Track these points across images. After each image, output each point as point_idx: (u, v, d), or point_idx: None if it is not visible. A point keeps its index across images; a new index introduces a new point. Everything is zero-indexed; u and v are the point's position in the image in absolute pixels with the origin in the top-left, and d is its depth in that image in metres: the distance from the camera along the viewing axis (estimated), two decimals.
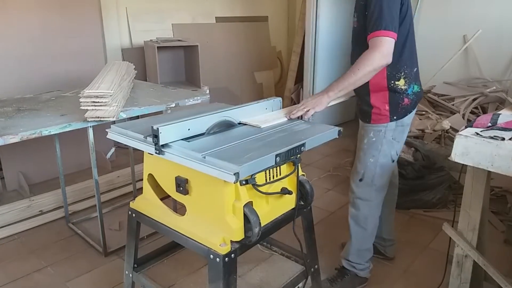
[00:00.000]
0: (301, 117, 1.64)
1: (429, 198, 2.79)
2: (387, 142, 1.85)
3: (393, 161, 1.92)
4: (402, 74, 1.77)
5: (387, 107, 1.79)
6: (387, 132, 1.83)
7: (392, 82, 1.77)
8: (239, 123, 1.58)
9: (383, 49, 1.59)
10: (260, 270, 2.19)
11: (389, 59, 1.62)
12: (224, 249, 1.27)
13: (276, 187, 1.41)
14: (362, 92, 1.83)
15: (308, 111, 1.62)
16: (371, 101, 1.82)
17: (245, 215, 1.27)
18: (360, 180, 1.92)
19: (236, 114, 1.57)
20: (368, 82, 1.74)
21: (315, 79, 4.51)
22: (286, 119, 1.61)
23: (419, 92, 1.87)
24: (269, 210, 1.42)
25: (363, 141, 1.89)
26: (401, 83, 1.77)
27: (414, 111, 1.89)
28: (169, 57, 4.01)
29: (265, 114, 1.67)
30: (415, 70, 1.83)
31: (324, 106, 1.66)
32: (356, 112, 1.99)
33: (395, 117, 1.81)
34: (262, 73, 5.23)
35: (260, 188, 1.32)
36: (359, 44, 1.76)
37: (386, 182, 1.95)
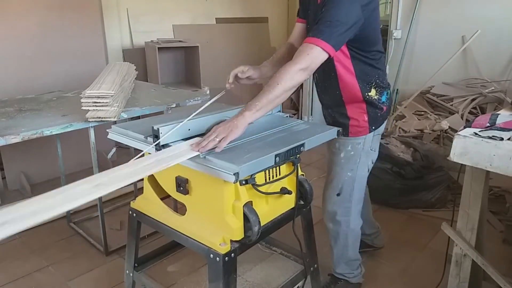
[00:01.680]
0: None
1: (428, 198, 2.80)
2: (365, 154, 1.76)
3: (368, 170, 1.83)
4: (373, 84, 1.67)
5: (366, 118, 1.69)
6: (366, 144, 1.74)
7: (367, 94, 1.67)
8: None
9: (307, 62, 1.37)
10: (260, 269, 2.20)
11: (310, 74, 1.43)
12: (224, 249, 1.28)
13: (276, 187, 1.42)
14: (334, 103, 1.73)
15: (221, 140, 1.27)
16: (348, 113, 1.70)
17: (244, 215, 1.28)
18: (338, 195, 1.81)
19: None
20: (339, 93, 1.66)
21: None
22: (195, 153, 1.26)
23: (390, 96, 1.79)
24: (269, 209, 1.43)
25: (339, 155, 1.76)
26: (372, 94, 1.68)
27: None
28: (170, 57, 4.02)
29: (169, 149, 1.33)
30: (384, 79, 1.74)
31: (242, 131, 1.31)
32: (328, 123, 1.81)
33: (373, 127, 1.72)
34: None
35: (259, 188, 1.33)
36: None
37: (362, 195, 1.87)
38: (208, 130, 1.45)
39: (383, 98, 1.71)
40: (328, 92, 1.74)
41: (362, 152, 1.74)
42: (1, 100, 2.45)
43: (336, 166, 1.79)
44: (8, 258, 2.32)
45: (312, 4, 1.63)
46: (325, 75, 1.69)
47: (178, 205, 2.07)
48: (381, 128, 1.79)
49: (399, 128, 3.41)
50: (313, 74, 1.70)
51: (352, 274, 1.97)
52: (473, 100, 3.43)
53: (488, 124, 1.41)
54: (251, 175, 1.29)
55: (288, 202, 1.50)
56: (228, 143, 1.28)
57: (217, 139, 1.27)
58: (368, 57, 1.62)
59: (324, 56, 1.39)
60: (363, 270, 2.02)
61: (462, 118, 3.28)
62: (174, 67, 4.11)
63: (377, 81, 1.67)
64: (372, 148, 1.78)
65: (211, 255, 1.30)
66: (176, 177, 1.38)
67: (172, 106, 2.37)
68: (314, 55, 1.38)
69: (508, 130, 1.35)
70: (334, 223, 1.86)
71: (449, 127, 3.17)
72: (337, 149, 1.77)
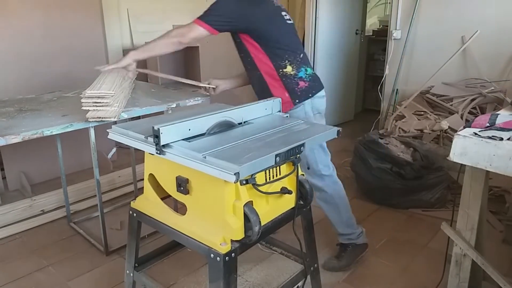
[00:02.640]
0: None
1: (428, 197, 2.80)
2: None
3: (322, 146, 2.04)
4: (287, 61, 1.93)
5: (286, 94, 1.94)
6: (308, 120, 1.93)
7: (280, 70, 1.93)
8: (245, 122, 1.59)
9: (187, 31, 1.85)
10: (260, 269, 2.20)
11: (185, 42, 1.89)
12: (225, 248, 1.28)
13: (276, 186, 1.43)
14: (262, 87, 1.98)
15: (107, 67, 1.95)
16: (273, 93, 1.95)
17: (245, 215, 1.28)
18: (308, 168, 2.03)
19: (236, 114, 1.58)
20: (262, 77, 1.95)
21: None
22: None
23: (315, 76, 2.03)
24: (269, 209, 1.43)
25: None
26: (289, 70, 1.94)
27: (322, 98, 2.03)
28: (170, 57, 4.02)
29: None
30: (301, 55, 1.99)
31: (125, 63, 1.96)
32: None
33: (297, 100, 1.95)
34: None
35: (260, 188, 1.34)
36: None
37: (328, 159, 2.08)
38: (209, 130, 1.46)
39: (301, 74, 1.96)
40: (254, 78, 2.04)
41: None
42: (1, 100, 2.45)
43: None
44: (8, 258, 2.33)
45: None
46: (246, 64, 2.02)
47: (178, 205, 2.07)
48: (318, 106, 2.01)
49: (399, 128, 3.41)
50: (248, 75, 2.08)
51: (355, 234, 2.19)
52: (472, 100, 3.43)
53: (487, 124, 1.42)
54: (252, 175, 1.29)
55: (288, 202, 1.50)
56: (225, 143, 1.33)
57: (108, 67, 1.99)
58: (275, 46, 1.93)
59: (201, 31, 1.87)
60: (363, 229, 2.24)
61: (461, 118, 3.28)
62: (174, 67, 4.12)
63: (289, 58, 1.94)
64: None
65: (212, 255, 1.30)
66: (176, 177, 1.39)
67: (172, 106, 2.38)
68: (193, 27, 1.87)
69: (508, 130, 1.35)
70: (318, 191, 2.09)
71: (448, 127, 3.17)
72: None
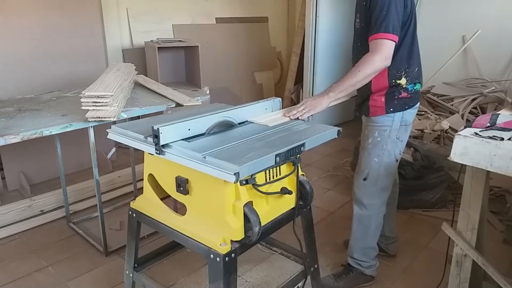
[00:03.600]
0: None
1: (429, 198, 2.80)
2: (392, 142, 1.86)
3: (396, 160, 1.93)
4: (403, 73, 1.79)
5: (382, 99, 1.81)
6: (392, 132, 1.84)
7: (394, 81, 1.79)
8: (244, 122, 1.60)
9: (383, 52, 1.62)
10: (260, 269, 2.19)
11: (388, 62, 1.66)
12: (224, 249, 1.28)
13: (276, 187, 1.42)
14: (365, 92, 1.85)
15: (305, 112, 1.64)
16: (370, 95, 1.85)
17: (245, 215, 1.28)
18: (364, 179, 1.92)
19: (236, 114, 1.58)
20: (370, 82, 1.76)
21: (315, 80, 4.52)
22: (287, 119, 1.64)
23: (419, 91, 1.89)
24: (269, 209, 1.43)
25: (367, 140, 1.89)
26: (402, 82, 1.80)
27: (415, 109, 1.88)
28: (170, 57, 4.01)
29: (267, 114, 1.69)
30: (416, 69, 1.84)
31: (324, 108, 1.68)
32: (355, 111, 2.01)
33: (391, 109, 1.81)
34: (262, 73, 5.24)
35: (260, 188, 1.33)
36: (362, 45, 1.78)
37: (390, 182, 1.96)
38: (209, 129, 1.45)
39: (409, 87, 1.81)
40: None
41: (389, 140, 1.85)
42: (0, 100, 2.45)
43: (364, 151, 1.91)
44: (8, 258, 2.32)
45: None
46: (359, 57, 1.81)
47: (178, 205, 2.07)
48: (407, 119, 1.86)
49: None
50: (352, 61, 1.88)
51: (368, 264, 2.04)
52: (473, 100, 3.43)
53: (488, 124, 1.41)
54: (252, 175, 1.28)
55: (289, 202, 1.49)
56: (224, 143, 1.32)
57: (304, 111, 1.64)
58: (405, 43, 1.76)
59: (393, 44, 1.64)
60: (377, 263, 2.08)
61: (462, 118, 3.27)
62: (174, 67, 4.11)
63: (407, 70, 1.79)
64: (399, 137, 1.87)
65: (211, 255, 1.30)
66: (176, 177, 1.38)
67: (171, 106, 2.37)
68: (386, 45, 1.63)
69: (509, 130, 1.35)
70: (360, 206, 1.96)
71: (449, 127, 3.16)
72: (366, 135, 1.90)
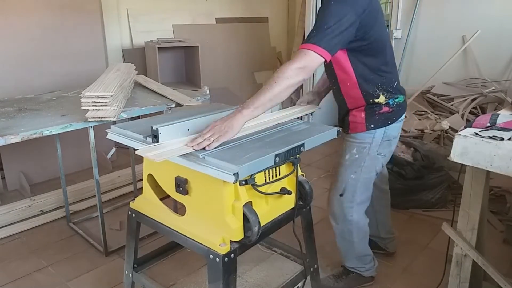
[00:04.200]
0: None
1: (429, 198, 2.79)
2: (371, 158, 1.76)
3: (377, 174, 1.85)
4: (380, 91, 1.68)
5: (362, 115, 1.71)
6: (372, 149, 1.74)
7: (371, 100, 1.69)
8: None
9: (302, 62, 1.40)
10: (260, 269, 2.19)
11: (307, 75, 1.42)
12: (224, 249, 1.27)
13: (276, 187, 1.42)
14: (343, 108, 1.78)
15: (214, 140, 1.27)
16: (349, 111, 1.76)
17: (244, 215, 1.28)
18: (341, 195, 1.83)
19: None
20: (344, 101, 1.73)
21: (314, 80, 4.52)
22: (189, 149, 1.27)
23: (403, 103, 1.77)
24: (269, 210, 1.43)
25: (345, 156, 1.79)
26: (381, 100, 1.69)
27: (399, 122, 1.78)
28: (170, 57, 4.01)
29: (166, 143, 1.33)
30: (395, 84, 1.73)
31: (237, 130, 1.33)
32: (338, 123, 1.88)
33: (372, 126, 1.70)
34: (262, 73, 5.24)
35: (259, 188, 1.33)
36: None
37: (368, 195, 1.88)
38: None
39: (390, 101, 1.71)
40: (335, 96, 1.81)
41: (368, 157, 1.76)
42: (0, 100, 2.45)
43: (340, 167, 1.83)
44: (7, 258, 2.32)
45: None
46: (330, 81, 1.76)
47: (177, 205, 2.07)
48: (391, 133, 1.75)
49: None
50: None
51: (364, 268, 2.00)
52: (473, 100, 3.42)
53: (488, 124, 1.41)
54: (251, 175, 1.28)
55: (288, 202, 1.49)
56: (224, 143, 1.29)
57: (212, 139, 1.27)
58: (372, 64, 1.63)
59: (320, 60, 1.43)
60: (376, 263, 2.05)
61: (462, 118, 3.27)
62: (174, 67, 4.11)
63: (383, 87, 1.68)
64: (380, 153, 1.77)
65: (211, 256, 1.30)
66: (175, 178, 1.38)
67: (171, 106, 2.37)
68: (310, 57, 1.41)
69: (509, 130, 1.34)
70: (337, 222, 1.90)
71: (449, 127, 3.16)
72: (343, 151, 1.81)
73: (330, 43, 1.43)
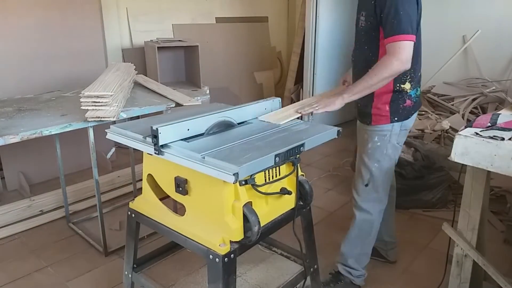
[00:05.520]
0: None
1: (429, 198, 2.79)
2: (392, 147, 1.83)
3: (395, 164, 1.91)
4: (408, 77, 1.74)
5: (387, 108, 1.77)
6: (392, 137, 1.80)
7: (398, 85, 1.74)
8: (244, 122, 1.59)
9: (401, 55, 1.56)
10: (260, 270, 2.19)
11: (408, 65, 1.59)
12: (224, 249, 1.27)
13: (276, 187, 1.42)
14: (366, 98, 1.78)
15: (319, 108, 1.63)
16: (373, 102, 1.79)
17: (244, 215, 1.27)
18: (366, 185, 1.88)
19: (236, 114, 1.57)
20: None
21: (315, 79, 4.51)
22: (298, 115, 1.63)
23: (420, 95, 1.87)
24: (269, 210, 1.42)
25: (367, 145, 1.84)
26: (407, 87, 1.75)
27: (416, 114, 1.87)
28: (170, 57, 4.01)
29: (277, 111, 1.69)
30: (419, 74, 1.82)
31: (336, 108, 1.64)
32: (355, 114, 1.96)
33: (396, 118, 1.77)
34: (262, 73, 5.24)
35: (259, 188, 1.33)
36: (366, 43, 1.75)
37: (389, 186, 1.94)
38: (208, 130, 1.44)
39: (412, 93, 1.78)
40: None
41: (389, 144, 1.82)
42: (0, 100, 2.44)
43: (364, 156, 1.87)
44: (7, 258, 2.32)
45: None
46: (367, 59, 1.77)
47: (177, 205, 2.06)
48: (408, 124, 1.84)
49: None
50: (353, 59, 1.88)
51: (358, 273, 2.00)
52: (474, 100, 3.42)
53: (489, 124, 1.41)
54: (251, 175, 1.28)
55: (288, 202, 1.49)
56: (224, 143, 1.31)
57: (317, 108, 1.63)
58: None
59: (411, 45, 1.59)
60: (366, 274, 2.03)
61: (463, 118, 3.27)
62: (173, 66, 4.11)
63: (412, 74, 1.75)
64: (399, 142, 1.84)
65: (211, 256, 1.29)
66: (175, 178, 1.38)
67: (171, 106, 2.36)
68: (403, 48, 1.57)
69: (509, 130, 1.34)
70: (362, 212, 1.93)
71: (450, 127, 3.16)
72: (365, 140, 1.86)
73: (412, 25, 1.58)
